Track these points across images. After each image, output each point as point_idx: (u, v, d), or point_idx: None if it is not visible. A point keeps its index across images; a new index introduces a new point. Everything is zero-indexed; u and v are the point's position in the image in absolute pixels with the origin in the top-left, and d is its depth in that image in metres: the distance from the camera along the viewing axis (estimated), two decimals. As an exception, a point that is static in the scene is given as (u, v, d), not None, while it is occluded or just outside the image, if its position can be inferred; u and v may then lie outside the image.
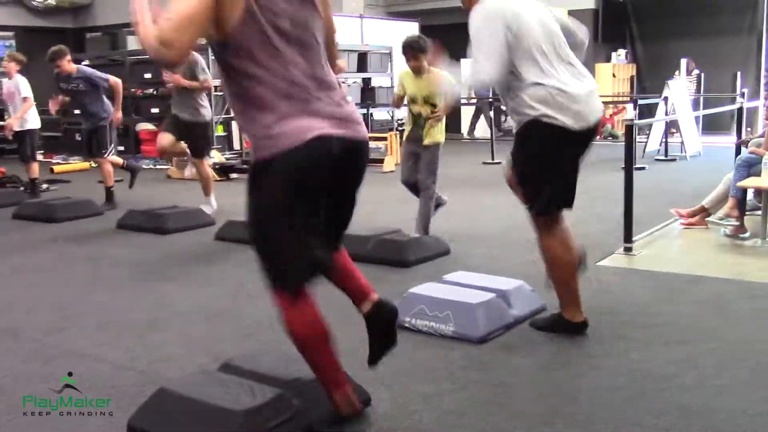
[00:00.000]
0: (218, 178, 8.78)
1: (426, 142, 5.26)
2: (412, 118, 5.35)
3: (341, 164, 2.33)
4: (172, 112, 6.76)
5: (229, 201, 6.61)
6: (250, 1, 2.18)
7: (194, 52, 6.45)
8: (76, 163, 11.15)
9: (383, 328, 2.59)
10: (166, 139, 6.75)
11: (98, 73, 7.33)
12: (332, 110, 2.32)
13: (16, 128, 7.92)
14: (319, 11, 2.37)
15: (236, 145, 11.73)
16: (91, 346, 3.48)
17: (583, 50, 3.53)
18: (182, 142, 6.82)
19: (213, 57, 2.42)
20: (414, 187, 5.39)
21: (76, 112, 7.81)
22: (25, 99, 7.86)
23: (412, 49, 5.17)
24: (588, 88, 3.32)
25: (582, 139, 3.32)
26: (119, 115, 7.51)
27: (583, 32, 3.55)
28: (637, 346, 3.32)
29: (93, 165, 8.43)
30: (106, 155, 7.37)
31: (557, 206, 3.37)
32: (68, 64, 7.13)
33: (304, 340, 2.39)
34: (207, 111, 6.80)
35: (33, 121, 8.04)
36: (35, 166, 8.26)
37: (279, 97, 2.25)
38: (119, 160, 7.70)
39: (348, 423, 2.56)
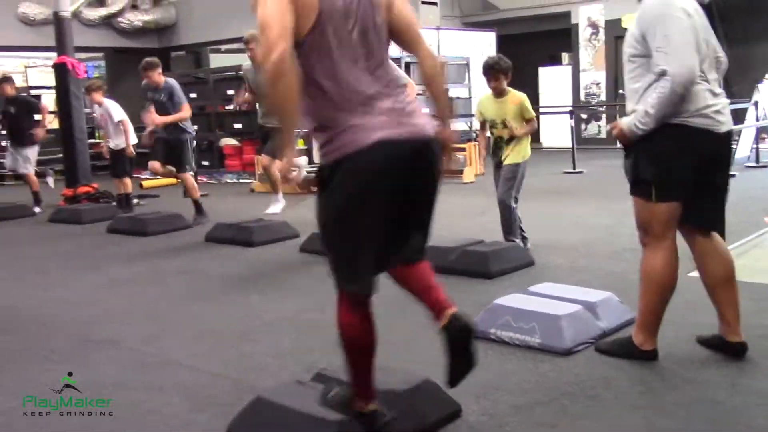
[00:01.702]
0: (299, 191, 8.94)
1: (505, 161, 5.26)
2: (493, 141, 5.32)
3: (409, 167, 2.28)
4: (260, 123, 6.97)
5: (313, 213, 6.71)
6: (322, 6, 2.21)
7: None
8: (165, 179, 11.54)
9: (458, 341, 2.38)
10: (267, 160, 7.11)
11: (180, 93, 7.51)
12: (396, 112, 2.29)
13: (129, 148, 8.29)
14: (385, 12, 2.34)
15: (316, 159, 11.94)
16: (187, 355, 3.61)
17: (721, 69, 3.21)
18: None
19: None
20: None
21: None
22: (120, 122, 8.21)
23: (492, 70, 5.15)
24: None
25: (712, 146, 3.09)
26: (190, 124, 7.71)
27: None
28: (735, 359, 3.21)
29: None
30: (188, 171, 7.61)
31: (676, 198, 3.11)
32: (158, 76, 7.40)
33: (350, 343, 2.42)
34: None
35: (130, 139, 8.35)
36: (128, 182, 8.63)
37: (341, 101, 2.25)
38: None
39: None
